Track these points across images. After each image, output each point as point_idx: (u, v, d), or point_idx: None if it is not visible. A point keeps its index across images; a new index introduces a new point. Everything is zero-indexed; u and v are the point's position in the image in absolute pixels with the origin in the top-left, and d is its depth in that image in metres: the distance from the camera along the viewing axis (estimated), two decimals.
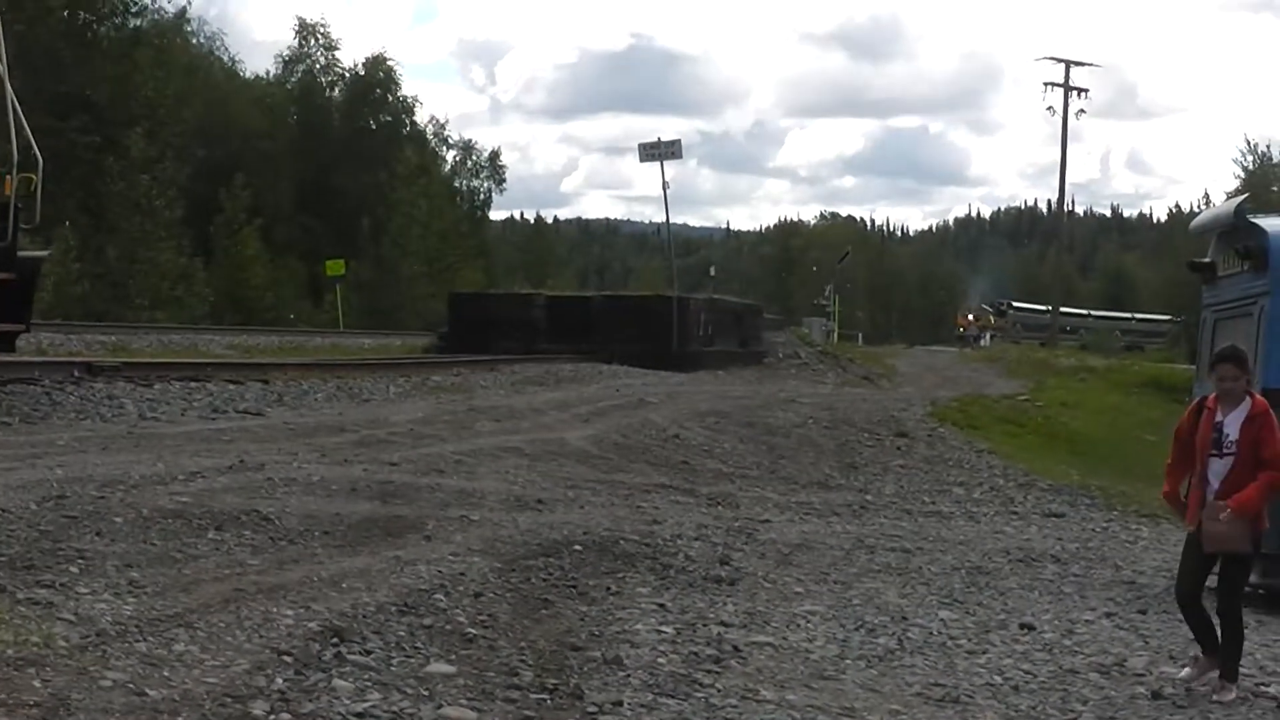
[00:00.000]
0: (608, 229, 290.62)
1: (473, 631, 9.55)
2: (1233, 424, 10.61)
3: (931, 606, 12.75)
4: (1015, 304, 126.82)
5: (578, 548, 12.87)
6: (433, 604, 10.02)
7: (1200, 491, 10.71)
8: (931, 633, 11.60)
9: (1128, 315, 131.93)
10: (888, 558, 15.19)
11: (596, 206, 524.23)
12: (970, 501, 21.74)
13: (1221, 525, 10.43)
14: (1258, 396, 10.81)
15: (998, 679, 10.26)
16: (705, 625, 10.72)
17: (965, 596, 13.50)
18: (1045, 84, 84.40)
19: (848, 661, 10.32)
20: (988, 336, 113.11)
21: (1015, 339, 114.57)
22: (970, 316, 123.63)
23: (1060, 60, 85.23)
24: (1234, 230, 16.33)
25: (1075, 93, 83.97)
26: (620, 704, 8.46)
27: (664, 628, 10.44)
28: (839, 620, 11.64)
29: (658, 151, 47.75)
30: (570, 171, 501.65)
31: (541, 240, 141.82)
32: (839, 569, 14.17)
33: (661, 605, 11.23)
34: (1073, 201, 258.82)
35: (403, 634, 9.19)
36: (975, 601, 13.28)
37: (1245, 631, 10.87)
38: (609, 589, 11.56)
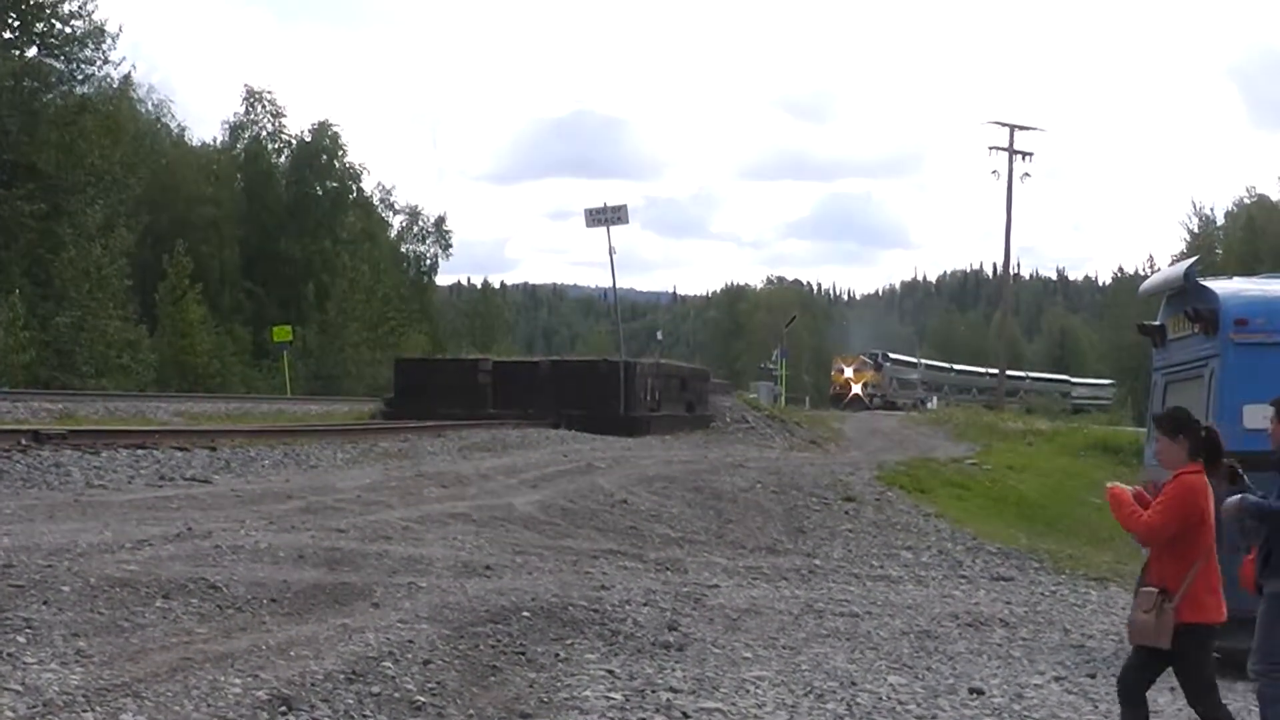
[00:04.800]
0: (554, 294, 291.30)
1: (421, 699, 9.54)
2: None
3: (880, 671, 12.78)
4: (891, 355, 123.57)
5: (526, 614, 12.85)
6: (381, 672, 10.00)
7: (1142, 578, 9.86)
8: (880, 698, 11.62)
9: (1023, 375, 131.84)
10: (836, 622, 15.21)
11: (542, 271, 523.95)
12: (918, 565, 21.77)
13: (1141, 615, 9.52)
14: (1189, 467, 9.64)
15: None
16: (654, 692, 10.72)
17: (914, 661, 13.53)
18: (990, 148, 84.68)
19: None
20: (870, 396, 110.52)
21: (892, 398, 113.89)
22: (849, 370, 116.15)
23: (1005, 124, 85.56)
24: (1183, 293, 16.46)
25: (1020, 156, 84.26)
26: None
27: (613, 694, 10.44)
28: (788, 686, 11.65)
29: (604, 217, 47.75)
30: (515, 236, 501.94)
31: (488, 305, 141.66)
32: (788, 634, 14.18)
33: (610, 672, 11.23)
34: (1018, 264, 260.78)
35: (351, 702, 9.18)
36: (924, 666, 13.31)
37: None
38: (557, 655, 11.56)
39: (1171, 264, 30.19)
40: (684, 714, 10.15)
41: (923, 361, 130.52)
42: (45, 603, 10.68)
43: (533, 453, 32.02)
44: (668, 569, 17.96)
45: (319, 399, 56.87)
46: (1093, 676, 13.60)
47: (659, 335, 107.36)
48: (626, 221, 48.62)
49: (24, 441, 21.63)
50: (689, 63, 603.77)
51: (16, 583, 11.14)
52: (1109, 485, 9.94)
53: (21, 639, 9.60)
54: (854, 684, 12.03)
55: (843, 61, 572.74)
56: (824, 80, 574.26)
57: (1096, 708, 12.12)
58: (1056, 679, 13.32)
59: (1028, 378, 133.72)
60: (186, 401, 43.75)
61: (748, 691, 11.26)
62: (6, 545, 12.83)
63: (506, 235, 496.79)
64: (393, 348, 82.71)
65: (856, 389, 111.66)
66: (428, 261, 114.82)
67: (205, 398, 49.73)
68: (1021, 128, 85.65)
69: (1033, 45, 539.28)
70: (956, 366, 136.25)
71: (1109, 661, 14.26)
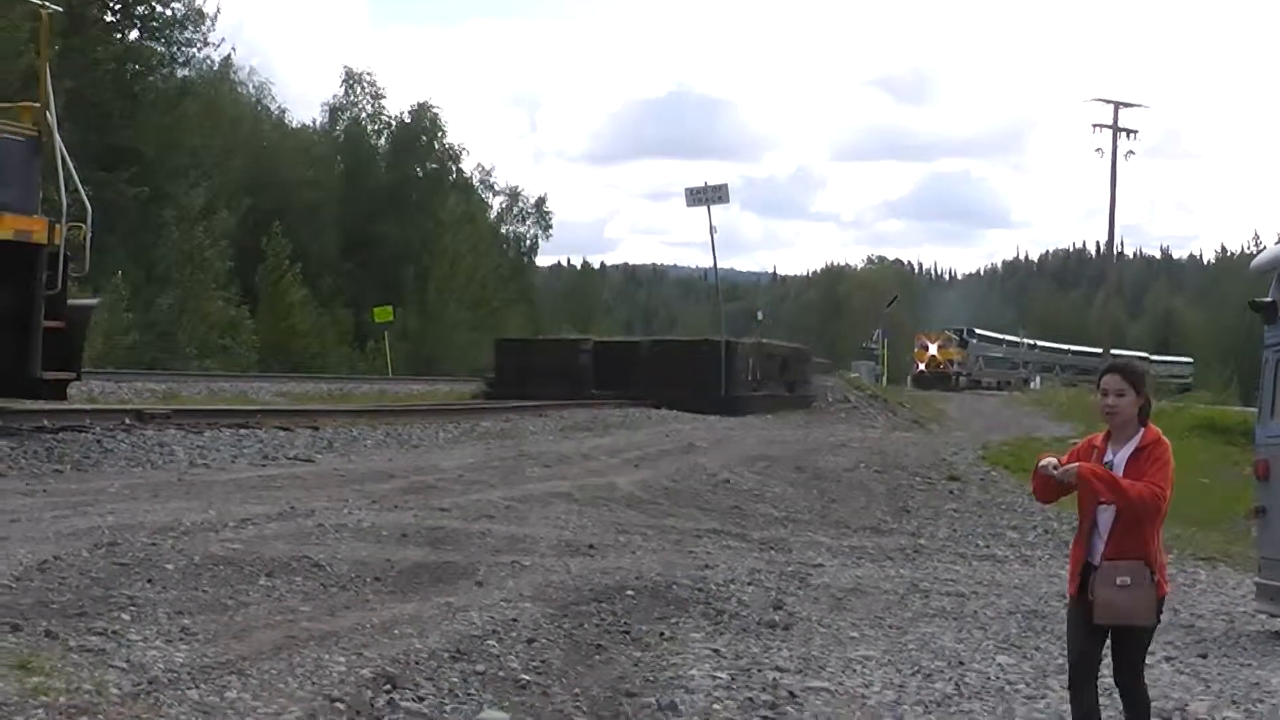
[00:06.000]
0: (653, 274, 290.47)
1: (526, 678, 9.46)
2: (1121, 460, 8.57)
3: (988, 651, 12.57)
4: (977, 331, 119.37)
5: (630, 593, 12.76)
6: (485, 650, 9.94)
7: (1083, 550, 8.66)
8: (989, 678, 11.42)
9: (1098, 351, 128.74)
10: (942, 602, 15.00)
11: (641, 252, 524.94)
12: (1024, 545, 21.51)
13: (1119, 593, 8.40)
14: (1151, 426, 8.66)
15: None
16: (760, 671, 10.58)
17: (1022, 641, 13.30)
18: (1094, 125, 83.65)
19: (905, 707, 10.15)
20: (956, 374, 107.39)
21: (977, 376, 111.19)
22: (934, 346, 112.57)
23: (1109, 101, 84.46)
24: None
25: (1124, 134, 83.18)
26: None
27: (719, 673, 10.31)
28: (895, 665, 11.48)
29: (705, 196, 47.66)
30: (614, 217, 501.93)
31: (587, 286, 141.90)
32: (893, 613, 13.99)
33: (715, 651, 11.10)
34: (1121, 243, 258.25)
35: (455, 680, 9.12)
36: (1033, 646, 13.08)
37: None
38: (662, 634, 11.45)
39: (1278, 241, 29.67)
40: (790, 693, 10.01)
41: (1025, 341, 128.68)
42: (150, 581, 10.70)
43: (634, 433, 31.96)
44: (771, 548, 17.80)
45: (420, 379, 56.99)
46: (1204, 657, 13.33)
47: (759, 315, 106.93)
48: (727, 201, 48.59)
49: (128, 421, 21.79)
50: (787, 42, 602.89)
51: (121, 561, 11.17)
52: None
53: (126, 616, 9.61)
54: (962, 663, 11.83)
55: (942, 40, 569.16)
56: (923, 59, 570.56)
57: (1209, 688, 11.88)
58: (1167, 659, 13.04)
59: (1070, 352, 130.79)
60: (288, 382, 43.98)
61: (854, 671, 11.09)
62: (111, 524, 12.88)
63: (605, 216, 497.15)
64: (492, 329, 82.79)
65: (941, 366, 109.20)
66: (527, 242, 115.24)
67: (307, 378, 49.94)
68: (1126, 104, 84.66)
69: (1133, 20, 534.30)
70: (1043, 344, 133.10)
71: (1219, 642, 13.99)
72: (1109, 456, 8.58)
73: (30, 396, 19.95)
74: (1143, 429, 8.59)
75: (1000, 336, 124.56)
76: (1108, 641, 8.73)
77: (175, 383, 36.38)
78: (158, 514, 13.83)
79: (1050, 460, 8.67)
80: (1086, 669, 8.74)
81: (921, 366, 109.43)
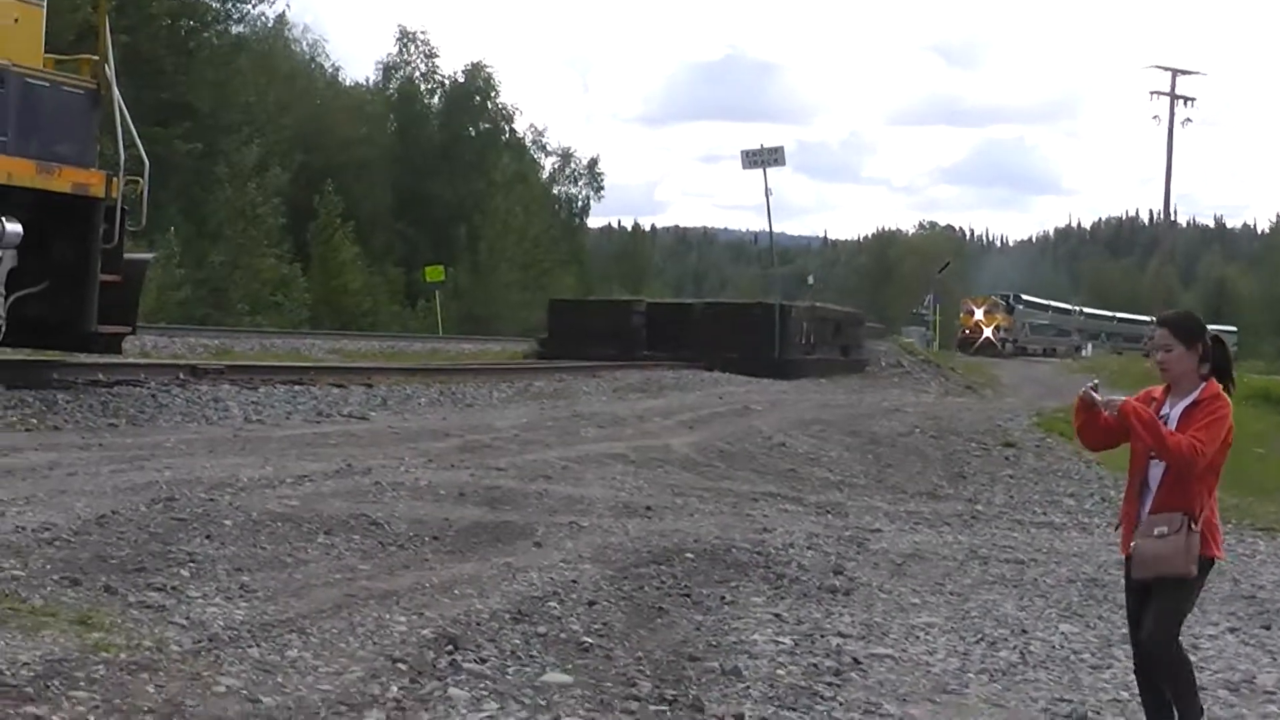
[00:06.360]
0: (704, 237, 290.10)
1: (588, 640, 9.37)
2: (1176, 414, 8.24)
3: (1051, 620, 12.43)
4: (1024, 297, 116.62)
5: (689, 556, 12.66)
6: (546, 612, 9.85)
7: (1135, 506, 8.43)
8: (1054, 646, 11.31)
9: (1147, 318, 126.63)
10: (1002, 569, 14.85)
11: (692, 214, 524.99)
12: (1082, 513, 21.30)
13: (1155, 542, 8.14)
14: (1213, 382, 8.27)
15: (1124, 694, 9.93)
16: (823, 636, 10.47)
17: (1084, 610, 13.15)
18: (1151, 93, 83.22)
19: (970, 675, 10.04)
20: (1002, 340, 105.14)
21: (1024, 343, 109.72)
22: (979, 311, 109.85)
23: (1166, 69, 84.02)
24: None
25: (1181, 101, 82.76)
26: (741, 716, 8.28)
27: (781, 638, 10.21)
28: (958, 633, 11.35)
29: (760, 158, 47.46)
30: (665, 179, 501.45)
31: (637, 248, 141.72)
32: (954, 580, 13.86)
33: (777, 615, 10.99)
34: (1175, 211, 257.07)
35: (518, 642, 9.03)
36: (1095, 615, 12.93)
37: None
38: (723, 598, 11.34)
39: None
40: (855, 659, 9.89)
41: (1073, 308, 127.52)
42: (208, 537, 10.63)
43: (688, 395, 31.86)
44: (828, 512, 17.66)
45: (472, 339, 56.97)
46: (1268, 628, 13.15)
47: (810, 280, 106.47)
48: (783, 163, 48.40)
49: (182, 376, 21.77)
50: (841, 6, 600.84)
51: (179, 516, 11.10)
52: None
53: (185, 573, 9.55)
54: (1025, 631, 11.70)
55: (996, 6, 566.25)
56: (977, 25, 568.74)
57: (1275, 660, 11.73)
58: (1230, 630, 12.87)
59: (1116, 318, 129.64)
60: (341, 339, 43.99)
61: (917, 638, 10.97)
62: (168, 478, 12.83)
63: (657, 178, 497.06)
64: (543, 289, 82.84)
65: (988, 332, 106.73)
66: (579, 204, 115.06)
67: (359, 336, 49.99)
68: (1184, 72, 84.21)
69: None
70: (1087, 310, 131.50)
71: None
72: (1165, 409, 8.29)
73: (86, 350, 19.95)
74: (1204, 384, 8.24)
75: (1047, 303, 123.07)
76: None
77: (228, 338, 36.39)
78: (214, 470, 13.77)
79: (1094, 385, 8.51)
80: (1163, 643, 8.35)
81: (967, 331, 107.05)
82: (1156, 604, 8.30)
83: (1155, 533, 8.12)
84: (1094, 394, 8.37)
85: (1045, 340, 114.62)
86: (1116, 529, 8.93)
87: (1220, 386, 8.28)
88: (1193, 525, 8.12)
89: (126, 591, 8.84)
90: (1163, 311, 9.39)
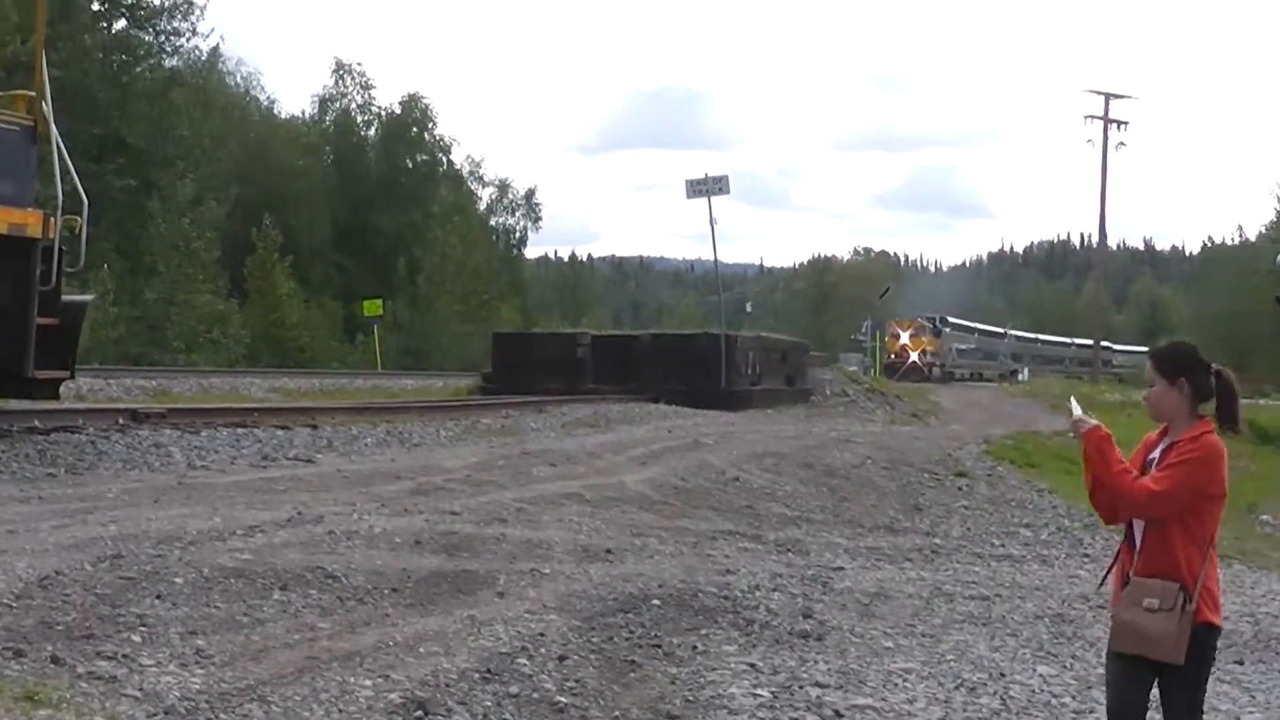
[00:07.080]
0: (640, 266, 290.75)
1: (562, 700, 9.02)
2: (1157, 457, 7.36)
3: (1026, 661, 12.17)
4: (950, 319, 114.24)
5: (656, 602, 12.33)
6: (516, 669, 9.50)
7: (1128, 559, 7.47)
8: (1034, 690, 11.05)
9: (1068, 340, 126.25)
10: (969, 606, 14.59)
11: (628, 243, 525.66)
12: (1039, 544, 21.09)
13: (1142, 615, 7.10)
14: (1204, 420, 7.30)
15: None
16: (801, 687, 10.16)
17: (1056, 649, 12.90)
18: (1086, 117, 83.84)
19: None
20: (929, 365, 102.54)
21: (951, 367, 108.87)
22: (905, 335, 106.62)
23: (1100, 93, 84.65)
24: None
25: (1115, 125, 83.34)
26: None
27: (759, 690, 9.90)
28: (936, 679, 11.06)
29: (705, 187, 47.20)
30: (600, 208, 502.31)
31: (577, 278, 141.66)
32: (923, 620, 13.58)
33: (752, 665, 10.68)
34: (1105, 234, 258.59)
35: (489, 704, 8.68)
36: (1069, 654, 12.68)
37: None
38: (694, 647, 11.02)
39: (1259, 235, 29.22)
40: (836, 712, 9.59)
41: (1000, 330, 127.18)
42: (159, 597, 10.18)
43: (637, 428, 31.53)
44: (789, 550, 17.36)
45: (412, 374, 56.53)
46: (1240, 662, 12.94)
47: (748, 307, 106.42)
48: (728, 192, 48.14)
49: (122, 421, 21.28)
50: (775, 34, 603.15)
51: (127, 574, 10.64)
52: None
53: (137, 638, 9.11)
54: (1003, 675, 11.44)
55: (928, 33, 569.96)
56: (909, 51, 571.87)
57: (1254, 698, 11.51)
58: None
59: (1039, 340, 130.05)
60: (280, 377, 43.47)
61: (896, 685, 10.68)
62: (114, 533, 12.36)
63: (592, 208, 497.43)
64: (484, 321, 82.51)
65: (914, 356, 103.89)
66: (517, 234, 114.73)
67: (299, 373, 49.43)
68: (1117, 96, 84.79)
69: (1110, 13, 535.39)
70: (1015, 333, 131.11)
71: (1251, 646, 13.61)
72: (1154, 453, 7.34)
73: (22, 396, 19.42)
74: (1195, 423, 7.25)
75: (974, 326, 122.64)
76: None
77: (165, 379, 35.85)
78: (161, 521, 13.31)
79: (1078, 409, 7.51)
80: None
81: (893, 355, 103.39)
82: (1173, 698, 7.29)
83: (1145, 604, 7.09)
84: (1074, 406, 7.53)
85: (972, 363, 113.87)
86: (1102, 585, 8.15)
87: (1212, 427, 7.28)
88: (1187, 603, 7.06)
89: (75, 661, 8.40)
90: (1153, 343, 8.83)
